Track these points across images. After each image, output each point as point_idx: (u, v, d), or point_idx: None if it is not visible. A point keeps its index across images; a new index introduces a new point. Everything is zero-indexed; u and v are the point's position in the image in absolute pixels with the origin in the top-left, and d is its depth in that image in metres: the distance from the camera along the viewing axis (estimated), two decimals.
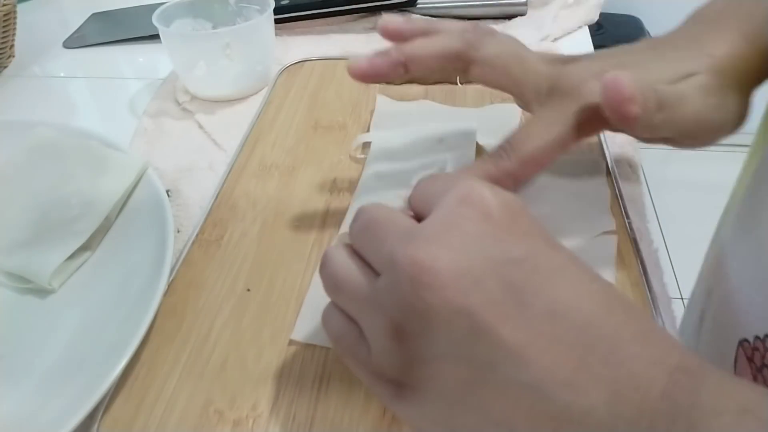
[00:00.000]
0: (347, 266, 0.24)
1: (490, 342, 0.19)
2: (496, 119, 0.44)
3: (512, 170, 0.31)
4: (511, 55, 0.33)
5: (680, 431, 0.18)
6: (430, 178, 0.25)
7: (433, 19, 0.41)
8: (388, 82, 0.48)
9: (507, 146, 0.31)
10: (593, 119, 0.30)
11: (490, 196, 0.22)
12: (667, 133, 0.30)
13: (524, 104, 0.34)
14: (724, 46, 0.32)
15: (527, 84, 0.33)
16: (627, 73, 0.27)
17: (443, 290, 0.20)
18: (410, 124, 0.44)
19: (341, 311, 0.24)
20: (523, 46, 0.35)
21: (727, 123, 0.32)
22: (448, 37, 0.33)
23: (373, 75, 0.33)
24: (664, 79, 0.30)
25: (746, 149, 0.39)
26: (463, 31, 0.34)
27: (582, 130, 0.30)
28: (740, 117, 0.33)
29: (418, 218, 0.24)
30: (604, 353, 0.19)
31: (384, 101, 0.47)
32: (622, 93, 0.27)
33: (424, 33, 0.34)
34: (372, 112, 0.46)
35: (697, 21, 0.36)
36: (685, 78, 0.31)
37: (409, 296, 0.20)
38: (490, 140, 0.42)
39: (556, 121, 0.31)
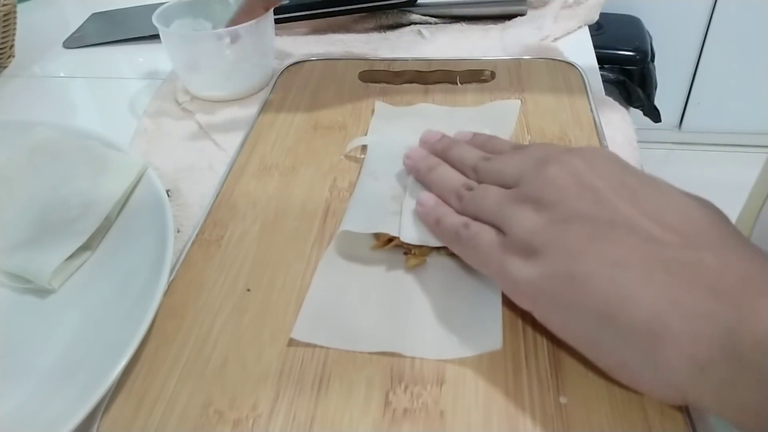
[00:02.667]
0: (490, 188, 0.30)
1: (610, 208, 0.25)
2: (495, 116, 0.44)
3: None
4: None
5: None
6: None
7: None
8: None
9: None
10: None
11: (609, 152, 0.29)
12: None
13: None
14: None
15: None
16: None
17: (578, 175, 0.27)
18: (408, 126, 0.44)
19: (473, 222, 0.30)
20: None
21: None
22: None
23: None
24: None
25: (747, 149, 0.39)
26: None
27: None
28: None
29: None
30: (709, 241, 0.24)
31: (382, 107, 0.47)
32: None
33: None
34: (372, 113, 0.46)
35: None
36: None
37: (551, 177, 0.27)
38: (488, 133, 0.42)
39: None
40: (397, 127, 0.44)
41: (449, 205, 0.32)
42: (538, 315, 0.27)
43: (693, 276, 0.22)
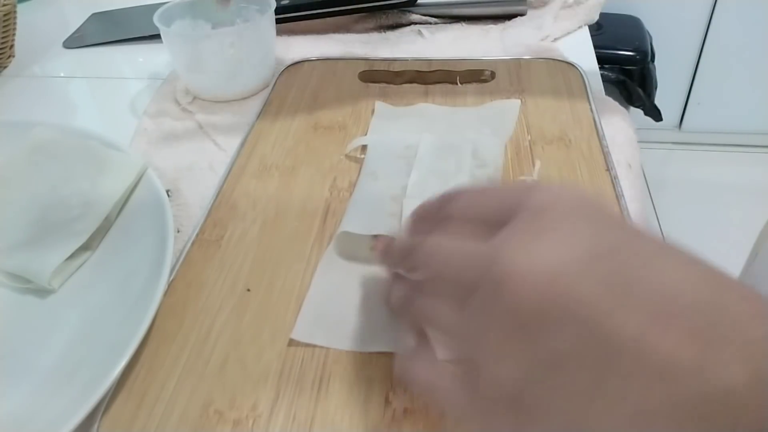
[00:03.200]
0: (429, 308, 0.23)
1: (605, 334, 0.18)
2: (495, 116, 0.44)
3: None
4: None
5: None
6: (474, 191, 0.25)
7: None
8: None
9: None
10: None
11: (566, 193, 0.22)
12: None
13: None
14: None
15: None
16: None
17: (547, 292, 0.19)
18: (408, 126, 0.44)
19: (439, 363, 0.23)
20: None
21: None
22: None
23: None
24: None
25: (747, 149, 0.39)
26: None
27: None
28: None
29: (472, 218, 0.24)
30: (728, 332, 0.18)
31: (382, 107, 0.46)
32: None
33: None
34: (372, 113, 0.46)
35: None
36: None
37: (513, 308, 0.20)
38: (489, 135, 0.42)
39: None
40: (397, 127, 0.44)
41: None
42: None
43: (728, 424, 0.17)
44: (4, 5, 0.58)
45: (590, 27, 0.61)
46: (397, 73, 0.51)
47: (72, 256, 0.35)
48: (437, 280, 0.24)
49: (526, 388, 0.20)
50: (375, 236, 0.34)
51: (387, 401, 0.27)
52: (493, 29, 0.60)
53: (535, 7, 0.63)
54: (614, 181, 0.38)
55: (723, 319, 0.18)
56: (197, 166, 0.44)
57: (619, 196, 0.37)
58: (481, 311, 0.21)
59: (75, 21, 0.70)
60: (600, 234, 0.20)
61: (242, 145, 0.44)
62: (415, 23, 0.63)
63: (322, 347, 0.30)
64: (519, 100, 0.45)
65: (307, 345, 0.30)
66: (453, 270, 0.22)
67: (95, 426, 0.27)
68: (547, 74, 0.49)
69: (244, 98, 0.52)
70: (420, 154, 0.39)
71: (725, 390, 0.17)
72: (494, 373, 0.21)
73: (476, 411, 0.22)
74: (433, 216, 0.26)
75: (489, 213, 0.23)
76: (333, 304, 0.31)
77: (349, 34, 0.62)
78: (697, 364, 0.17)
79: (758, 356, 0.17)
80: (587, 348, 0.19)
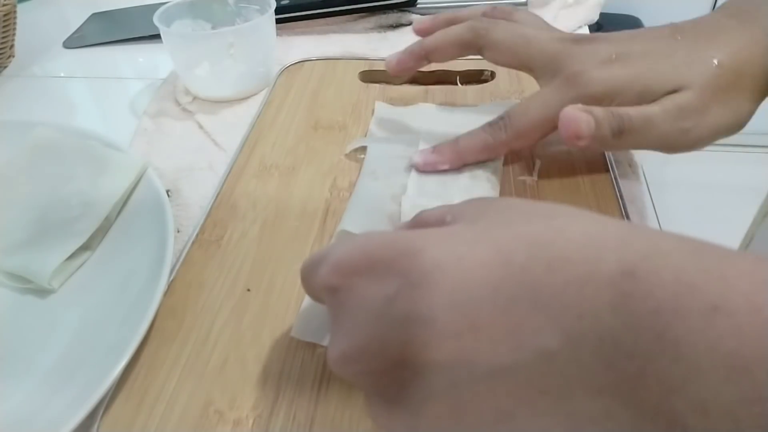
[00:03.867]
0: None
1: (434, 373, 0.19)
2: (495, 115, 0.44)
3: (507, 141, 0.36)
4: (517, 38, 0.37)
5: (649, 344, 0.16)
6: (304, 266, 0.25)
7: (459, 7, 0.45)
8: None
9: (506, 119, 0.36)
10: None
11: (343, 258, 0.22)
12: (630, 148, 0.35)
13: (536, 80, 0.38)
14: (741, 49, 0.33)
15: (534, 64, 0.37)
16: (585, 115, 0.32)
17: (365, 375, 0.21)
18: (409, 125, 0.44)
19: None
20: (534, 26, 0.38)
21: (703, 138, 0.34)
22: (461, 28, 0.38)
23: (401, 70, 0.41)
24: (649, 91, 0.33)
25: (747, 149, 0.39)
26: (474, 20, 0.39)
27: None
28: (735, 124, 0.34)
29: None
30: (526, 303, 0.18)
31: (382, 107, 0.46)
32: (575, 132, 0.32)
33: (448, 23, 0.40)
34: (372, 113, 0.46)
35: (727, 11, 0.36)
36: (669, 93, 0.33)
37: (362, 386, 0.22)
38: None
39: (552, 102, 0.35)
40: (397, 127, 0.44)
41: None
42: None
43: (564, 386, 0.18)
44: (4, 5, 0.58)
45: (590, 27, 0.61)
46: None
47: (72, 256, 0.35)
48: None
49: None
50: None
51: None
52: None
53: (535, 7, 0.63)
54: (614, 181, 0.38)
55: (518, 292, 0.18)
56: (197, 166, 0.44)
57: (619, 196, 0.37)
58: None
59: (75, 21, 0.70)
60: (381, 282, 0.20)
61: (242, 145, 0.44)
62: None
63: (322, 347, 0.30)
64: (519, 101, 0.45)
65: (307, 345, 0.30)
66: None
67: (95, 426, 0.27)
68: None
69: (244, 98, 0.52)
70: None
71: (545, 355, 0.18)
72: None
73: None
74: None
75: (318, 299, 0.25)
76: None
77: (349, 34, 0.62)
78: (512, 347, 0.18)
79: (560, 315, 0.18)
80: (429, 386, 0.19)
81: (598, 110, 0.33)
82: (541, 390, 0.18)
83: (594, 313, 0.17)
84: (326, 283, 0.22)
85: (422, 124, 0.44)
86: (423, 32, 0.40)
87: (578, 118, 0.32)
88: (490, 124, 0.37)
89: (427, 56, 0.39)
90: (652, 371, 0.16)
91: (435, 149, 0.38)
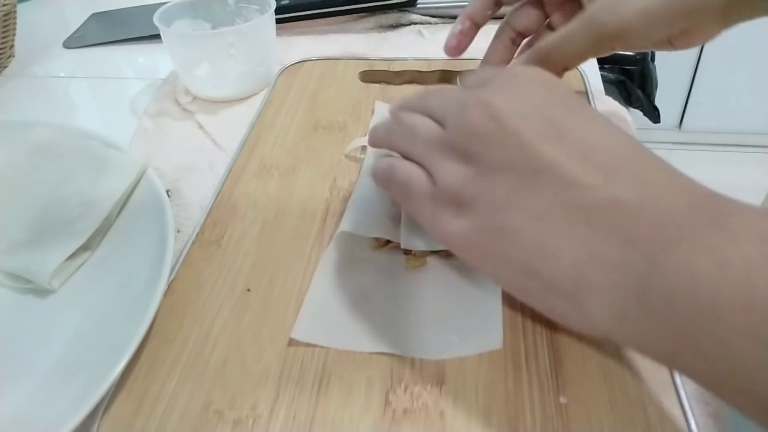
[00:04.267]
0: (418, 120, 0.29)
1: (533, 156, 0.24)
2: None
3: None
4: None
5: (704, 223, 0.21)
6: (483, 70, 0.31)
7: None
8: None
9: (536, 48, 0.39)
10: (608, 45, 0.37)
11: (534, 71, 0.28)
12: (587, 56, 0.38)
13: None
14: None
15: None
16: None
17: (500, 119, 0.25)
18: None
19: (401, 159, 0.29)
20: None
21: (631, 22, 0.35)
22: None
23: (461, 47, 0.45)
24: None
25: (747, 149, 0.40)
26: None
27: (597, 51, 0.38)
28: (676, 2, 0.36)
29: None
30: (631, 172, 0.23)
31: (382, 107, 0.46)
32: None
33: None
34: (372, 112, 0.46)
35: None
36: None
37: (473, 124, 0.26)
38: None
39: (578, 37, 0.37)
40: None
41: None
42: (472, 264, 0.27)
43: (610, 225, 0.22)
44: (4, 5, 0.58)
45: None
46: (397, 73, 0.51)
47: (72, 256, 0.35)
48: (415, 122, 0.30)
49: (466, 185, 0.26)
50: (375, 238, 0.34)
51: (387, 401, 0.27)
52: (493, 29, 0.60)
53: None
54: None
55: (630, 165, 0.24)
56: (197, 166, 0.44)
57: None
58: (452, 127, 0.27)
59: (75, 21, 0.70)
60: (551, 95, 0.27)
61: (242, 145, 0.44)
62: (415, 23, 0.63)
63: (322, 347, 0.30)
64: None
65: (307, 345, 0.30)
66: (441, 97, 0.29)
67: (95, 426, 0.27)
68: None
69: (244, 98, 0.52)
70: None
71: (612, 201, 0.23)
72: (443, 175, 0.27)
73: (428, 204, 0.27)
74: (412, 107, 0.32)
75: (481, 80, 0.29)
76: (333, 304, 0.31)
77: (349, 34, 0.62)
78: (594, 183, 0.23)
79: (648, 189, 0.23)
80: (514, 163, 0.25)
81: (523, 57, 0.39)
82: (589, 222, 0.23)
83: (671, 196, 0.22)
84: (511, 72, 0.28)
85: None
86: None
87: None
88: (523, 55, 0.40)
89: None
90: (693, 238, 0.21)
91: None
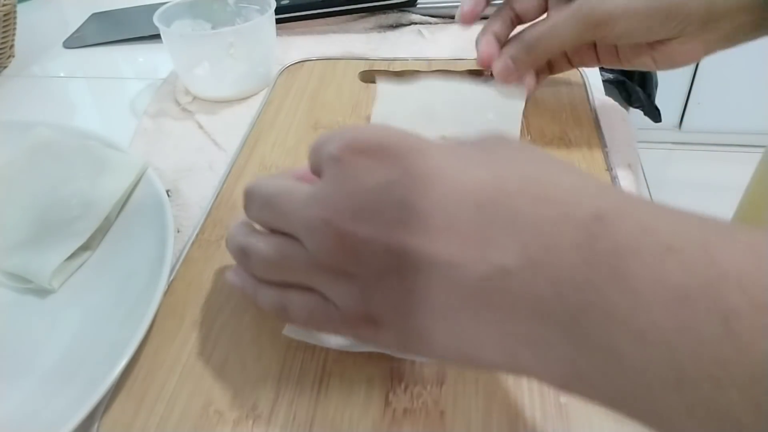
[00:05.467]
0: (275, 245, 0.25)
1: (402, 254, 0.21)
2: (502, 99, 0.43)
3: (516, 56, 0.40)
4: None
5: (603, 279, 0.18)
6: (316, 140, 0.26)
7: None
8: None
9: (523, 37, 0.40)
10: (591, 34, 0.37)
11: (359, 137, 0.23)
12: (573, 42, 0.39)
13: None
14: None
15: None
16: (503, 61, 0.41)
17: (350, 231, 0.22)
18: (412, 110, 0.43)
19: (287, 290, 0.25)
20: None
21: (615, 12, 0.36)
22: None
23: (474, 15, 0.44)
24: None
25: (747, 149, 0.40)
26: None
27: (582, 38, 0.38)
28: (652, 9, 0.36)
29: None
30: (503, 224, 0.20)
31: (385, 88, 0.45)
32: (504, 80, 0.42)
33: None
34: (373, 100, 0.46)
35: None
36: None
37: (329, 249, 0.23)
38: (493, 116, 0.42)
39: (566, 24, 0.38)
40: (400, 112, 0.43)
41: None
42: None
43: (510, 300, 0.20)
44: (4, 5, 0.58)
45: None
46: (397, 73, 0.51)
47: (72, 256, 0.35)
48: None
49: (365, 303, 0.23)
50: None
51: (387, 401, 0.27)
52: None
53: None
54: (614, 181, 0.38)
55: (498, 214, 0.20)
56: (197, 166, 0.44)
57: None
58: (317, 252, 0.23)
59: (75, 21, 0.70)
60: (387, 166, 0.22)
61: (242, 145, 0.44)
62: (415, 23, 0.63)
63: (322, 347, 0.30)
64: (525, 89, 0.44)
65: (308, 345, 0.30)
66: (281, 212, 0.25)
67: (95, 426, 0.27)
68: None
69: (244, 98, 0.52)
70: None
71: (501, 273, 0.20)
72: (339, 299, 0.24)
73: (343, 327, 0.24)
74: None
75: (315, 170, 0.25)
76: None
77: (349, 34, 0.62)
78: (471, 257, 0.20)
79: (528, 241, 0.20)
80: (389, 267, 0.22)
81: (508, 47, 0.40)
82: (489, 303, 0.20)
83: (560, 248, 0.19)
84: (333, 154, 0.23)
85: (426, 106, 0.43)
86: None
87: (498, 72, 0.41)
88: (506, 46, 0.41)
89: None
90: (600, 303, 0.18)
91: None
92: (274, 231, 0.26)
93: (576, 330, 0.19)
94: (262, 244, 0.26)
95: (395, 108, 0.44)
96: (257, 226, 0.27)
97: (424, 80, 0.45)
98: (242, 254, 0.27)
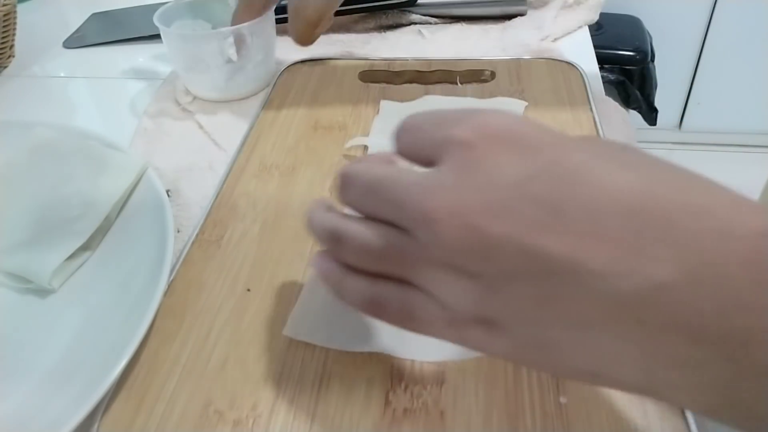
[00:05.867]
0: (378, 232, 0.23)
1: (539, 257, 0.19)
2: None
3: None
4: None
5: None
6: (417, 119, 0.24)
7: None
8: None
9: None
10: None
11: (491, 124, 0.22)
12: None
13: None
14: None
15: None
16: None
17: (478, 227, 0.20)
18: None
19: (383, 282, 0.23)
20: None
21: None
22: None
23: None
24: None
25: (747, 149, 0.39)
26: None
27: None
28: None
29: (416, 162, 0.24)
30: (658, 234, 0.18)
31: (388, 105, 0.46)
32: None
33: None
34: (377, 111, 0.46)
35: None
36: None
37: (451, 241, 0.20)
38: None
39: None
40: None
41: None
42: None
43: (665, 319, 0.18)
44: (4, 5, 0.58)
45: (590, 27, 0.61)
46: (397, 73, 0.51)
47: (72, 256, 0.35)
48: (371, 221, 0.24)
49: (483, 305, 0.21)
50: None
51: (387, 401, 0.27)
52: (493, 29, 0.60)
53: (535, 7, 0.63)
54: None
55: (655, 222, 0.18)
56: (197, 166, 0.44)
57: None
58: (431, 245, 0.21)
59: (75, 21, 0.70)
60: (523, 160, 0.21)
61: (242, 145, 0.44)
62: (415, 23, 0.63)
63: (322, 347, 0.30)
64: (525, 103, 0.45)
65: (307, 345, 0.30)
66: (389, 200, 0.23)
67: (95, 426, 0.27)
68: (547, 74, 0.49)
69: (244, 98, 0.52)
70: None
71: (656, 287, 0.18)
72: (449, 298, 0.22)
73: (447, 329, 0.23)
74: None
75: (422, 152, 0.24)
76: (328, 303, 0.31)
77: (349, 34, 0.62)
78: (627, 268, 0.18)
79: (689, 252, 0.18)
80: (523, 271, 0.20)
81: None
82: (637, 319, 0.18)
83: (724, 263, 0.17)
84: (462, 139, 0.21)
85: None
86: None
87: None
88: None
89: None
90: None
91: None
92: (370, 218, 0.24)
93: (739, 354, 0.17)
94: (363, 230, 0.23)
95: (394, 123, 0.44)
96: (347, 211, 0.25)
97: (426, 96, 0.46)
98: (334, 239, 0.24)
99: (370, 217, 0.24)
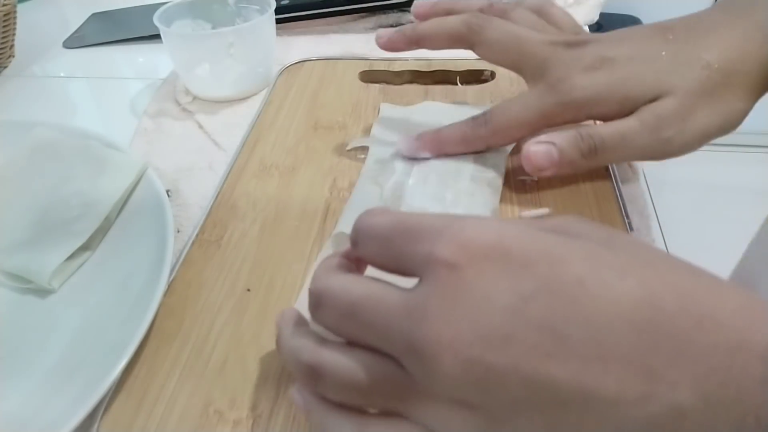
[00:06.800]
0: (361, 364, 0.21)
1: (547, 388, 0.18)
2: None
3: (485, 137, 0.37)
4: (510, 38, 0.36)
5: None
6: (379, 225, 0.22)
7: None
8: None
9: (487, 115, 0.37)
10: (564, 114, 0.35)
11: (474, 238, 0.20)
12: (611, 163, 0.36)
13: (525, 81, 0.37)
14: (733, 46, 0.33)
15: (522, 65, 0.37)
16: (543, 148, 0.34)
17: (481, 360, 0.18)
18: (411, 127, 0.43)
19: (374, 422, 0.21)
20: (529, 25, 0.38)
21: (689, 143, 0.34)
22: (456, 21, 0.38)
23: (390, 49, 0.41)
24: (629, 99, 0.33)
25: (747, 149, 0.39)
26: (470, 15, 0.38)
27: (553, 120, 0.35)
28: (726, 126, 0.34)
29: (386, 270, 0.22)
30: (668, 352, 0.17)
31: (387, 108, 0.46)
32: (536, 166, 0.34)
33: (447, 12, 0.39)
34: (377, 112, 0.46)
35: (722, 5, 0.36)
36: (651, 101, 0.33)
37: (452, 377, 0.19)
38: None
39: (533, 105, 0.35)
40: (401, 127, 0.44)
41: None
42: None
43: None
44: (4, 5, 0.58)
45: (590, 27, 0.61)
46: (397, 73, 0.51)
47: (72, 256, 0.35)
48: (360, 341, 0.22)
49: None
50: None
51: None
52: None
53: None
54: (614, 181, 0.38)
55: (661, 337, 0.17)
56: (197, 166, 0.44)
57: (619, 197, 0.37)
58: (423, 378, 0.20)
59: (75, 21, 0.70)
60: (518, 278, 0.19)
61: (242, 145, 0.44)
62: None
63: None
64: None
65: None
66: (371, 326, 0.21)
67: (95, 426, 0.27)
68: None
69: (244, 98, 0.52)
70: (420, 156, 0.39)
71: (674, 413, 0.17)
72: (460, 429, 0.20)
73: None
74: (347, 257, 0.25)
75: (396, 265, 0.22)
76: None
77: (349, 34, 0.62)
78: (640, 393, 0.17)
79: (702, 376, 0.17)
80: (530, 403, 0.18)
81: (564, 136, 0.34)
82: None
83: (742, 383, 0.17)
84: (448, 259, 0.19)
85: (426, 125, 0.43)
86: (421, 16, 0.40)
87: (535, 154, 0.34)
88: (473, 118, 0.37)
89: (418, 42, 0.39)
90: None
91: (418, 136, 0.38)
92: (352, 342, 0.22)
93: None
94: (345, 363, 0.21)
95: (394, 126, 0.44)
96: (327, 333, 0.23)
97: (425, 103, 0.46)
98: (312, 374, 0.22)
99: (350, 341, 0.22)
